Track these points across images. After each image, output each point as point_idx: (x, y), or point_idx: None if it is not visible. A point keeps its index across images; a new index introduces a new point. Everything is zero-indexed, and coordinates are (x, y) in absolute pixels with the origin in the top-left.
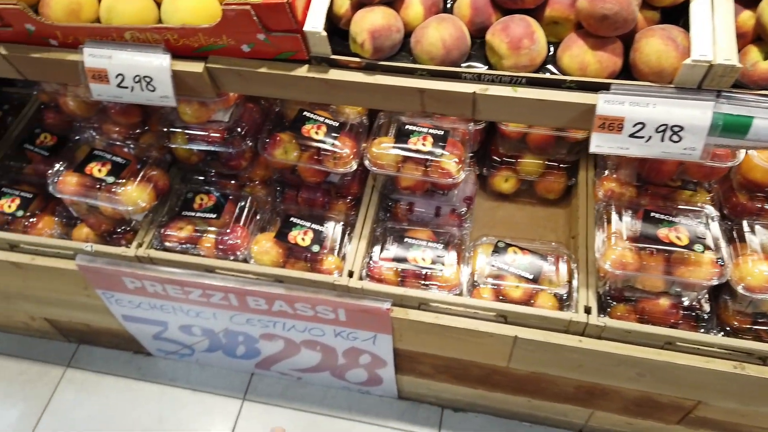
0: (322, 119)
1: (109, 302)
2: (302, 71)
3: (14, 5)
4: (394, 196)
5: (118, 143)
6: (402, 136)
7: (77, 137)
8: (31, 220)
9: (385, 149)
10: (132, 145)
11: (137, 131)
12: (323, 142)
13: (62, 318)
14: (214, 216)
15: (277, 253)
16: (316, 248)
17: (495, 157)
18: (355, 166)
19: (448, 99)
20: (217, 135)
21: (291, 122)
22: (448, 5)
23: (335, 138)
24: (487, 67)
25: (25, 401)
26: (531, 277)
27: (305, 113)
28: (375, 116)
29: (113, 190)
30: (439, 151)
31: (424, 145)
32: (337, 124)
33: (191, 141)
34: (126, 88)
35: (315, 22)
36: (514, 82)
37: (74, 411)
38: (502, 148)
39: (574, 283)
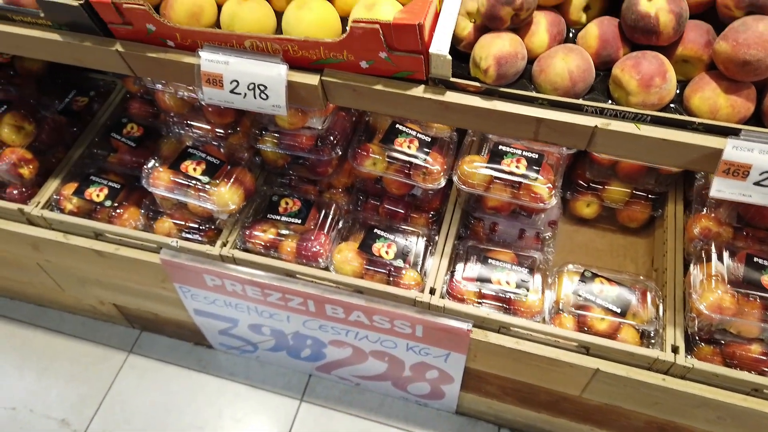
0: (414, 133)
1: (184, 296)
2: (418, 91)
3: (140, 5)
4: (477, 214)
5: (208, 141)
6: (495, 157)
7: (168, 132)
8: (118, 211)
9: (476, 168)
10: (222, 144)
11: (228, 131)
12: (415, 156)
13: (131, 305)
14: (298, 221)
15: (359, 264)
16: (399, 262)
17: (580, 182)
18: (443, 183)
19: (565, 130)
20: (309, 141)
21: (384, 134)
22: (571, 34)
23: (427, 153)
24: (610, 101)
25: (87, 384)
26: (619, 310)
27: (398, 126)
28: (464, 132)
29: (206, 189)
30: (533, 174)
31: (517, 167)
32: (429, 140)
33: (282, 145)
34: (239, 94)
35: (441, 45)
36: (638, 119)
37: (135, 397)
38: (590, 173)
39: (661, 319)
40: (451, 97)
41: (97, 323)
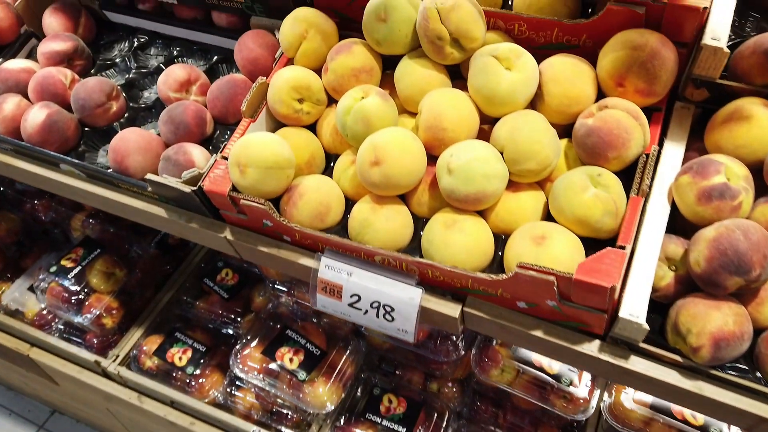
0: None
1: None
2: (592, 349)
3: (260, 204)
4: None
5: (307, 317)
6: None
7: (266, 294)
8: (201, 380)
9: (638, 406)
10: (321, 321)
11: None
12: (557, 377)
13: None
14: (403, 430)
15: None
16: None
17: None
18: (590, 414)
19: None
20: (425, 334)
21: None
22: None
23: (572, 378)
24: None
25: None
26: None
27: None
28: None
29: (302, 387)
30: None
31: (694, 415)
32: None
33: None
34: (359, 310)
35: (636, 309)
36: None
37: None
38: None
39: None
40: (638, 364)
41: None
